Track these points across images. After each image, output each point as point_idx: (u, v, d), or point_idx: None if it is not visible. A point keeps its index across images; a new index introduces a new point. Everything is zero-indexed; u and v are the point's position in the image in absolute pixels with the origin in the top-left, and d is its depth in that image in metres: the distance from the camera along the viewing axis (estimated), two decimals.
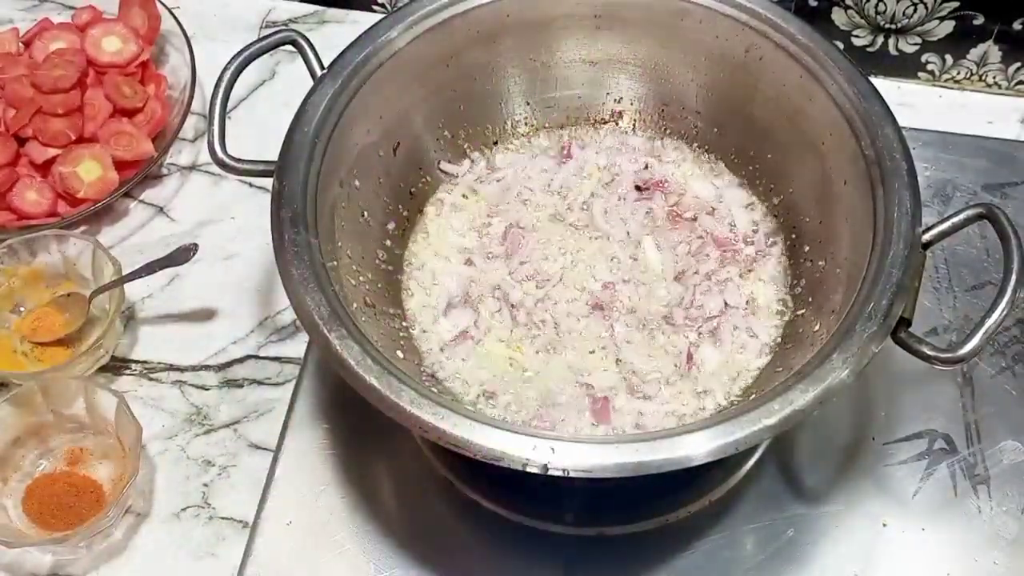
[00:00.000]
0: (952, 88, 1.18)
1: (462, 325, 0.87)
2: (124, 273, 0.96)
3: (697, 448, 0.66)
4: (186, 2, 1.21)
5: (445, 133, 0.96)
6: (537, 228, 0.93)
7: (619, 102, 0.99)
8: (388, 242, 0.91)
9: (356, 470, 0.89)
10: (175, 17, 1.16)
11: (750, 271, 0.90)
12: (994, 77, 1.16)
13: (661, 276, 0.90)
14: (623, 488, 0.85)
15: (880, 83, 0.84)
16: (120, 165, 1.06)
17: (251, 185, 1.10)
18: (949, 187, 1.07)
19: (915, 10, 1.10)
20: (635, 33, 0.95)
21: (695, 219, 0.93)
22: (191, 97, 1.11)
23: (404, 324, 0.88)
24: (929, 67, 1.16)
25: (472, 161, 0.97)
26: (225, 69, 0.85)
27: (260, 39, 0.87)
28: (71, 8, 1.21)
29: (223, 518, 0.89)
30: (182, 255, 0.97)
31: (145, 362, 0.98)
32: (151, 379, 0.97)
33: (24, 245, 0.97)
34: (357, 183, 0.87)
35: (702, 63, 0.94)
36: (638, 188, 0.96)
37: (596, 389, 0.83)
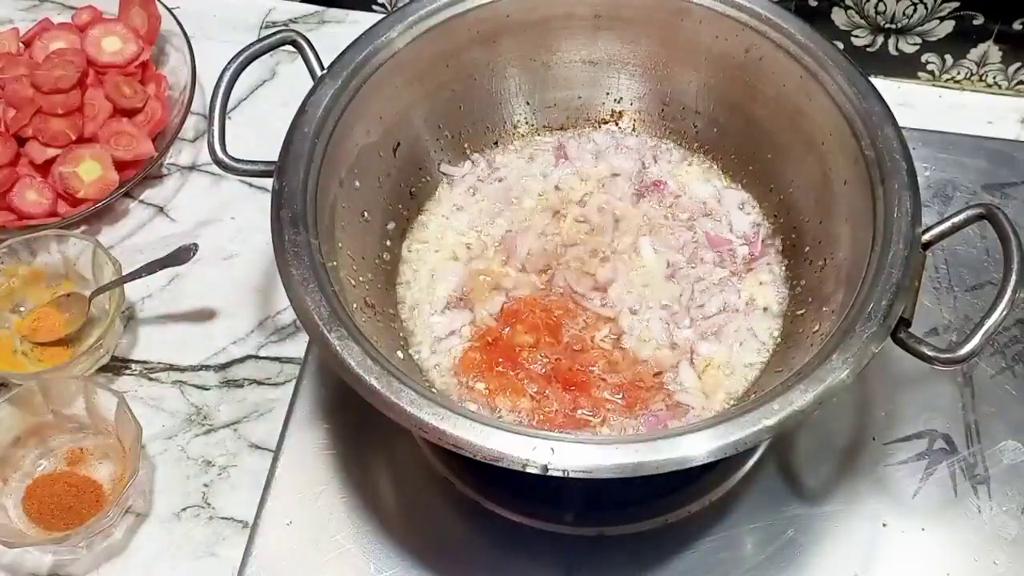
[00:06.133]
0: (952, 88, 1.18)
1: (460, 324, 0.87)
2: (124, 273, 0.96)
3: (697, 448, 0.66)
4: (186, 2, 1.21)
5: (445, 133, 0.96)
6: (537, 229, 0.93)
7: (619, 102, 0.99)
8: (388, 242, 0.91)
9: (356, 470, 0.89)
10: (175, 17, 1.16)
11: (749, 271, 0.90)
12: (994, 77, 1.16)
13: (659, 277, 0.90)
14: (623, 488, 0.85)
15: (880, 83, 0.84)
16: (120, 165, 1.07)
17: (251, 185, 1.10)
18: (949, 187, 1.07)
19: (915, 10, 1.10)
20: (635, 33, 0.95)
21: (694, 220, 0.94)
22: (191, 97, 1.11)
23: (404, 324, 0.88)
24: (929, 67, 1.16)
25: (472, 163, 0.98)
26: (225, 69, 0.86)
27: (260, 39, 0.87)
28: (71, 8, 1.21)
29: (223, 518, 0.89)
30: (182, 255, 0.97)
31: (145, 362, 0.98)
32: (151, 379, 0.97)
33: (24, 245, 0.97)
34: (357, 183, 0.87)
35: (702, 63, 0.94)
36: (637, 189, 0.96)
37: None
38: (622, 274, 0.90)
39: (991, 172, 1.08)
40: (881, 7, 1.10)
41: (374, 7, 1.25)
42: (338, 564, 0.85)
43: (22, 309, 0.99)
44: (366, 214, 0.88)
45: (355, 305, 0.79)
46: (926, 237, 0.77)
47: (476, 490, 0.86)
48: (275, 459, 0.90)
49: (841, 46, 1.07)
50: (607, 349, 0.86)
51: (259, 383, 0.97)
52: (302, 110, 0.83)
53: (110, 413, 0.88)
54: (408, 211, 0.94)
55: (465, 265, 0.91)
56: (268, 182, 0.81)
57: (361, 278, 0.84)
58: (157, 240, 1.06)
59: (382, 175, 0.91)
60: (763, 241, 0.92)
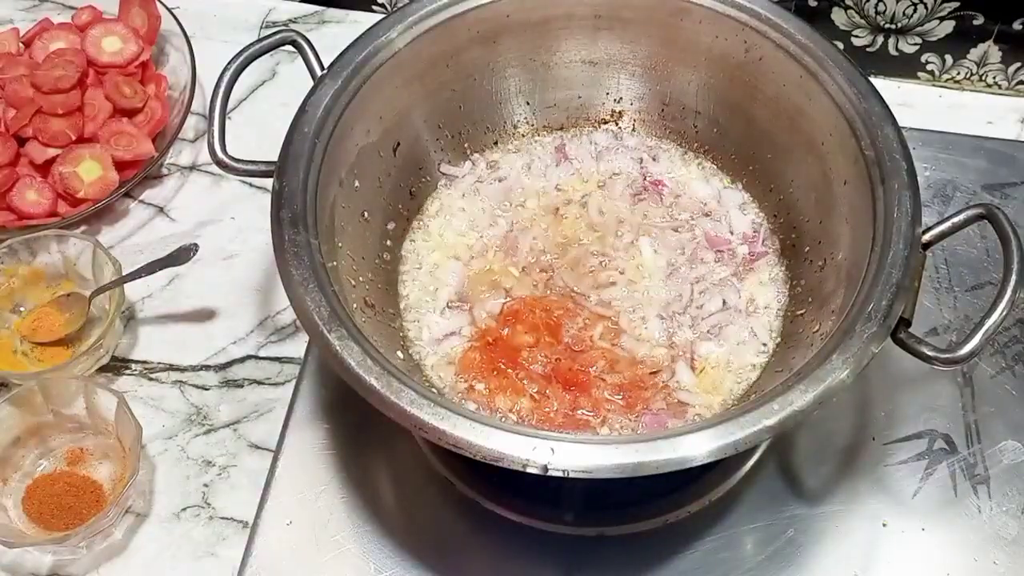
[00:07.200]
0: (952, 88, 1.18)
1: (460, 325, 0.87)
2: (124, 273, 0.96)
3: (697, 448, 0.66)
4: (186, 2, 1.21)
5: (445, 133, 0.96)
6: (537, 229, 0.93)
7: (619, 102, 1.00)
8: (388, 242, 0.91)
9: (356, 470, 0.89)
10: (175, 17, 1.16)
11: (750, 271, 0.90)
12: (994, 77, 1.16)
13: (659, 277, 0.90)
14: (623, 488, 0.85)
15: (880, 83, 0.84)
16: (120, 165, 1.07)
17: (251, 185, 1.10)
18: (949, 187, 1.07)
19: (915, 10, 1.10)
20: (635, 33, 0.95)
21: (693, 220, 0.94)
22: (191, 97, 1.11)
23: (404, 324, 0.88)
24: (929, 67, 1.16)
25: (472, 163, 0.98)
26: (225, 69, 0.86)
27: (260, 39, 0.87)
28: (71, 8, 1.21)
29: (223, 518, 0.89)
30: (182, 255, 0.97)
31: (145, 362, 0.98)
32: (151, 379, 0.97)
33: (24, 245, 0.97)
34: (357, 183, 0.87)
35: (702, 63, 0.94)
36: (637, 189, 0.96)
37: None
38: (622, 274, 0.90)
39: (991, 172, 1.08)
40: (881, 7, 1.10)
41: (374, 7, 1.25)
42: (338, 564, 0.85)
43: (22, 309, 0.99)
44: (366, 214, 0.88)
45: (355, 305, 0.79)
46: (926, 237, 0.77)
47: (476, 490, 0.86)
48: (275, 459, 0.90)
49: (841, 46, 1.07)
50: (607, 349, 0.86)
51: (259, 383, 0.97)
52: (302, 110, 0.83)
53: (110, 413, 0.88)
54: (408, 211, 0.94)
55: (465, 265, 0.91)
56: (268, 182, 0.81)
57: (361, 278, 0.84)
58: (157, 240, 1.06)
59: (382, 175, 0.91)
60: (763, 241, 0.92)
